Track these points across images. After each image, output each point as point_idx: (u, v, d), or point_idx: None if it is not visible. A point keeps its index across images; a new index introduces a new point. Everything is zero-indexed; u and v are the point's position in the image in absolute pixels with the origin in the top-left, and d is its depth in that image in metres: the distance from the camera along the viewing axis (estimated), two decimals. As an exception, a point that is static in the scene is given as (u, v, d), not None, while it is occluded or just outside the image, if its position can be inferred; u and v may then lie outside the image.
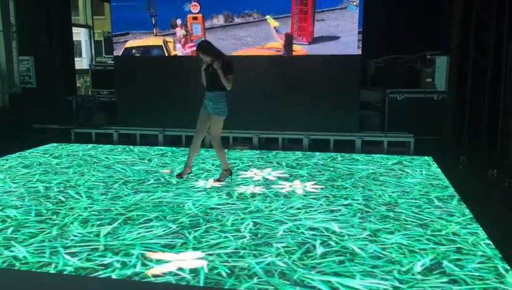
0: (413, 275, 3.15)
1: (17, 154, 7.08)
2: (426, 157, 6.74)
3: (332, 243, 3.66)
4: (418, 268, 3.24)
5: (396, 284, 3.03)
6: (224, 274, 3.17)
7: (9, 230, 3.97)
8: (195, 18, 7.55)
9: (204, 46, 5.20)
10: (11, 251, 3.54)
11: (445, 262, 3.33)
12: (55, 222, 4.15)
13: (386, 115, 7.79)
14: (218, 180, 5.45)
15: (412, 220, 4.19)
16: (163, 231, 3.94)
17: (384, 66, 8.65)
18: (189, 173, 5.55)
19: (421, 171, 6.00)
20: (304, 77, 7.62)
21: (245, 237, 3.79)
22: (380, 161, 6.56)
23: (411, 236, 3.80)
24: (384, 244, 3.63)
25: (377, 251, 3.52)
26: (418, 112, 7.52)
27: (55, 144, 7.86)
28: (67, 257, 3.44)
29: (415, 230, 3.94)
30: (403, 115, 7.58)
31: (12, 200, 4.80)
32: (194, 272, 3.20)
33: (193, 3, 7.26)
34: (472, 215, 4.28)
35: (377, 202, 4.69)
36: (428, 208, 4.50)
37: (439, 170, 6.04)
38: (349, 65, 7.44)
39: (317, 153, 7.07)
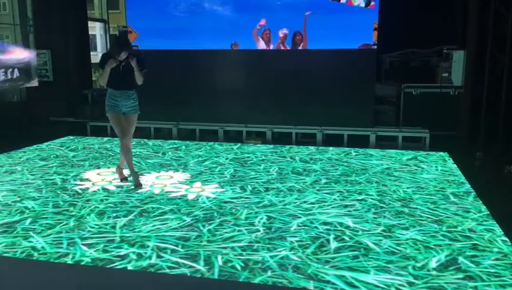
0: (428, 271, 3.13)
1: (35, 146, 7.18)
2: (442, 153, 6.67)
3: (347, 238, 3.65)
4: (433, 264, 3.22)
5: (411, 279, 3.02)
6: (238, 267, 3.19)
7: (28, 221, 4.05)
8: None
9: (129, 41, 4.90)
10: (30, 242, 3.61)
11: (460, 258, 3.30)
12: (72, 214, 4.22)
13: (401, 110, 7.72)
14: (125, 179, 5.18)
15: (427, 216, 4.16)
16: (178, 223, 3.98)
17: (400, 60, 8.57)
18: (125, 179, 5.20)
19: (436, 167, 5.94)
20: (319, 72, 7.58)
21: (259, 231, 3.81)
22: (394, 156, 6.52)
23: (426, 232, 3.78)
24: (398, 240, 3.62)
25: (392, 246, 3.51)
26: (434, 107, 7.44)
27: (71, 137, 7.96)
28: (84, 248, 3.50)
29: (430, 226, 3.91)
30: (419, 110, 7.50)
31: (30, 192, 4.88)
32: (209, 264, 3.23)
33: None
34: (488, 212, 4.24)
35: (391, 198, 4.67)
36: (443, 204, 4.46)
37: (455, 165, 5.98)
38: (364, 59, 7.39)
39: (331, 148, 7.04)
